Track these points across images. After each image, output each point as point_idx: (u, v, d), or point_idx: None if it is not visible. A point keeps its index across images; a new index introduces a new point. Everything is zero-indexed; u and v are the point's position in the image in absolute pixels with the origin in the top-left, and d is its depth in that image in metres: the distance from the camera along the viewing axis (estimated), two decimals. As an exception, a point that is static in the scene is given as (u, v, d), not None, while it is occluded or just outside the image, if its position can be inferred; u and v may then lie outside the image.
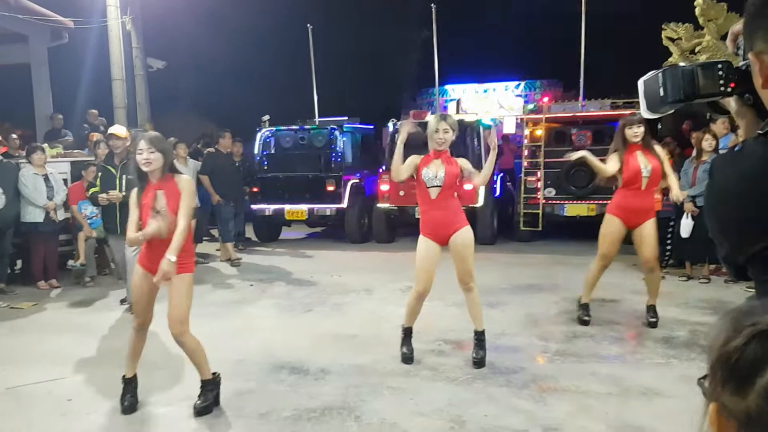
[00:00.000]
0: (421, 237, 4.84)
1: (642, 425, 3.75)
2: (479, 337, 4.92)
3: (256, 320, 6.43)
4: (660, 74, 1.30)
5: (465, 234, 4.78)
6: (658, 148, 5.79)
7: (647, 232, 5.60)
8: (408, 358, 4.94)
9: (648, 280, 5.82)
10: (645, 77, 1.38)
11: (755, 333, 0.80)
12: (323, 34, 12.83)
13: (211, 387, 4.15)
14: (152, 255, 3.97)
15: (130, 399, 4.15)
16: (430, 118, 4.88)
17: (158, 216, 3.88)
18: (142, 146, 3.92)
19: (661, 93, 1.30)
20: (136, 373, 4.22)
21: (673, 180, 5.77)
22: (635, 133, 5.54)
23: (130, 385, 4.19)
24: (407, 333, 5.03)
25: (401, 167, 4.75)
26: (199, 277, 8.57)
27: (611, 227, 5.65)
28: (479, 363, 4.82)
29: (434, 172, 4.73)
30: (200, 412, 4.05)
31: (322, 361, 5.00)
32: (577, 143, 10.43)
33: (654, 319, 5.73)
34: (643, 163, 5.54)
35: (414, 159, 4.83)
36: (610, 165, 5.65)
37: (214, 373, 4.19)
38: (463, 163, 4.86)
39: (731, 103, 1.31)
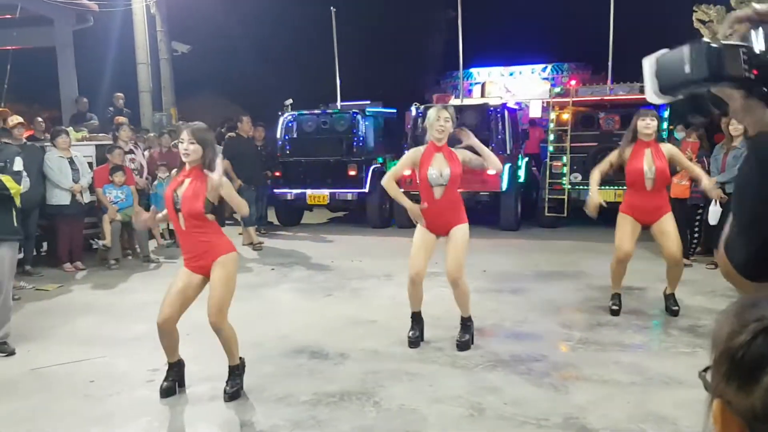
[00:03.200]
0: (418, 226, 4.91)
1: (664, 415, 3.68)
2: (465, 323, 4.96)
3: (276, 304, 6.45)
4: (686, 48, 1.19)
5: (462, 230, 4.82)
6: (668, 146, 5.61)
7: (666, 227, 5.45)
8: (412, 342, 4.94)
9: (671, 272, 5.63)
10: (660, 54, 1.25)
11: (761, 329, 0.78)
12: (347, 17, 12.73)
13: (239, 371, 4.14)
14: (192, 258, 3.99)
15: (170, 383, 4.14)
16: (430, 110, 4.89)
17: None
18: (183, 136, 3.91)
19: (687, 70, 1.18)
20: (181, 359, 4.21)
21: (697, 172, 5.56)
22: (647, 125, 5.36)
23: (171, 369, 4.17)
24: (412, 318, 5.05)
25: (397, 175, 4.99)
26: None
27: (623, 226, 5.54)
28: (461, 346, 4.84)
29: (438, 170, 4.72)
30: (232, 396, 4.04)
31: (341, 345, 4.99)
32: (605, 128, 10.25)
33: (676, 308, 5.63)
34: (647, 164, 5.35)
35: (414, 155, 4.87)
36: (602, 164, 5.58)
37: (240, 358, 4.18)
38: (465, 155, 4.82)
39: (734, 96, 1.21)
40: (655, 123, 5.39)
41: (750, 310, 0.82)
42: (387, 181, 4.96)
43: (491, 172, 5.01)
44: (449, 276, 4.82)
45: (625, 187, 9.84)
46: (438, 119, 4.70)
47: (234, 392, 4.07)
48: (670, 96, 1.27)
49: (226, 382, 4.11)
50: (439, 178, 4.71)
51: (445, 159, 4.72)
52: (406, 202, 4.85)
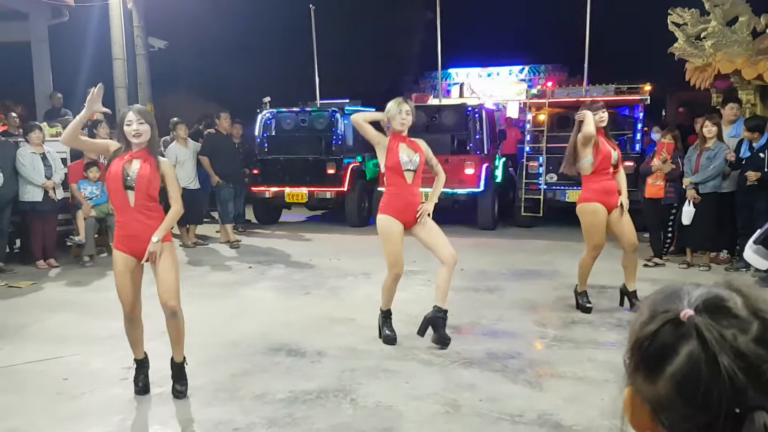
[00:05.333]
0: (386, 218, 4.91)
1: (638, 412, 3.73)
2: (444, 315, 4.97)
3: (253, 302, 6.42)
4: None
5: (431, 219, 4.97)
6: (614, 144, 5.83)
7: (624, 215, 5.66)
8: (391, 339, 4.97)
9: (628, 261, 5.80)
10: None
11: (668, 320, 0.80)
12: (326, 15, 12.70)
13: (183, 369, 4.11)
14: (131, 238, 3.93)
15: (143, 380, 4.12)
16: (390, 103, 4.95)
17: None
18: (131, 117, 3.85)
19: None
20: (146, 354, 4.18)
21: (622, 179, 5.77)
22: (602, 118, 5.59)
23: (142, 366, 4.15)
24: (387, 315, 5.08)
25: (368, 124, 4.94)
26: (198, 258, 8.59)
27: (599, 216, 5.61)
28: (443, 342, 4.88)
29: (408, 156, 4.88)
30: (183, 393, 4.03)
31: (318, 343, 4.99)
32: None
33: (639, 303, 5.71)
34: (611, 149, 5.63)
35: (382, 137, 4.96)
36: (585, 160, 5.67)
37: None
38: (424, 147, 5.01)
39: None
40: (606, 115, 5.65)
41: (662, 300, 0.84)
42: (356, 117, 4.97)
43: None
44: (453, 259, 4.88)
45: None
46: (400, 112, 4.85)
47: (185, 390, 4.04)
48: None
49: (178, 381, 4.06)
50: (409, 163, 4.88)
51: (409, 147, 4.92)
52: (377, 114, 5.01)
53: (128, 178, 3.86)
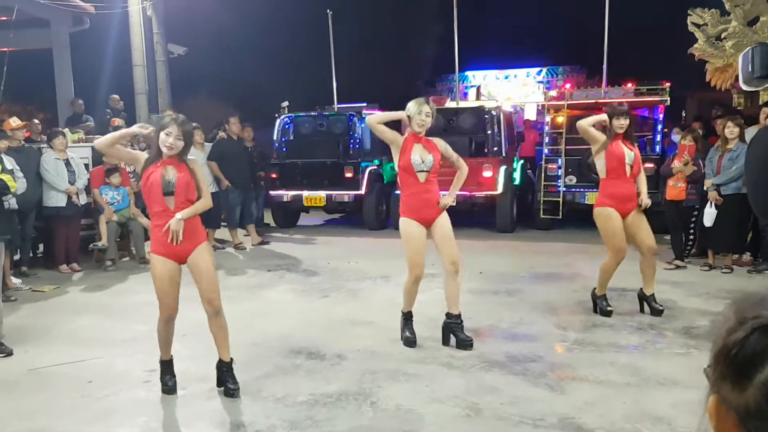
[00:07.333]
0: (406, 220, 4.94)
1: (660, 415, 3.70)
2: (459, 320, 4.99)
3: (273, 305, 6.46)
4: (750, 50, 1.26)
5: (447, 218, 4.98)
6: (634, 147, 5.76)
7: (641, 220, 5.60)
8: (411, 342, 4.99)
9: (647, 265, 5.73)
10: (744, 51, 1.35)
11: (757, 326, 0.77)
12: (343, 19, 12.75)
13: (232, 368, 4.17)
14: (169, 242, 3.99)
15: (172, 380, 4.19)
16: (410, 103, 4.95)
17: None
18: (171, 129, 3.94)
19: (749, 69, 1.26)
20: (172, 356, 4.25)
21: (643, 181, 5.71)
22: (621, 124, 5.52)
23: (169, 366, 4.22)
24: (408, 318, 5.09)
25: (384, 125, 4.94)
26: (217, 262, 8.64)
27: (614, 220, 5.55)
28: (465, 345, 4.89)
29: (420, 157, 4.86)
30: (237, 391, 4.08)
31: (338, 346, 5.01)
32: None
33: (661, 307, 5.67)
34: (626, 151, 5.55)
35: (397, 136, 4.98)
36: (598, 134, 5.62)
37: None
38: (442, 146, 4.98)
39: None
40: (627, 121, 5.56)
41: (751, 307, 0.81)
42: (371, 120, 4.98)
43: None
44: (453, 264, 4.87)
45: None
46: (420, 113, 4.82)
47: (238, 387, 4.09)
48: (752, 87, 1.34)
49: (229, 380, 4.11)
50: (422, 164, 4.85)
51: (425, 148, 4.89)
52: (395, 113, 5.01)
53: (169, 184, 3.94)
